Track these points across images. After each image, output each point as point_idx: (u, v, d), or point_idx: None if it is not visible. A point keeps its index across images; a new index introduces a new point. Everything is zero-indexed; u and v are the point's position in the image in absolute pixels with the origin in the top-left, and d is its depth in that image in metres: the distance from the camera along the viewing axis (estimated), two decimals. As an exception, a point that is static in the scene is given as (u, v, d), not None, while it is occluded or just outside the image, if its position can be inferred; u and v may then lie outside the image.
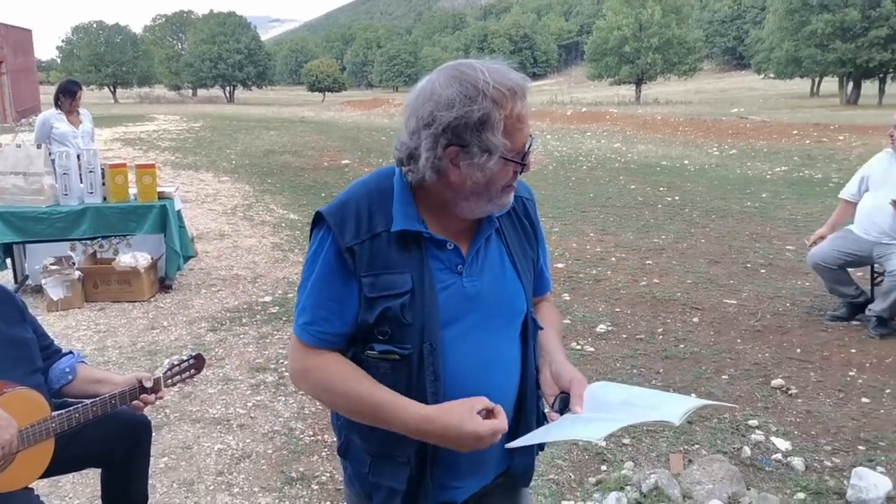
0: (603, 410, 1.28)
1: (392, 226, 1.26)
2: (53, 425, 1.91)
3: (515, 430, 1.36)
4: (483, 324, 1.31)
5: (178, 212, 5.59)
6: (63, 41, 61.38)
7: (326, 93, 65.72)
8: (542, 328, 1.45)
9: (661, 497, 2.76)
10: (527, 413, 1.40)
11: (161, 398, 2.15)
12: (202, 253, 6.56)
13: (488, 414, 1.23)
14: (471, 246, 1.33)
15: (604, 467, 3.05)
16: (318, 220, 1.31)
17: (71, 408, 1.96)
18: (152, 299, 5.24)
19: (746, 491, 2.80)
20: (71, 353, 2.22)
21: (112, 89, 58.78)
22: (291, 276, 5.98)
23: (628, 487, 2.84)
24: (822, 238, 4.80)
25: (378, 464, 1.35)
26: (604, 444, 3.21)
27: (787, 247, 6.73)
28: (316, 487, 2.89)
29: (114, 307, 5.04)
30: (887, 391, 3.69)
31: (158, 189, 5.38)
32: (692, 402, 1.30)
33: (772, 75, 37.14)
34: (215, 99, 59.65)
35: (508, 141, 1.21)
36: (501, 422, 1.22)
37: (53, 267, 4.84)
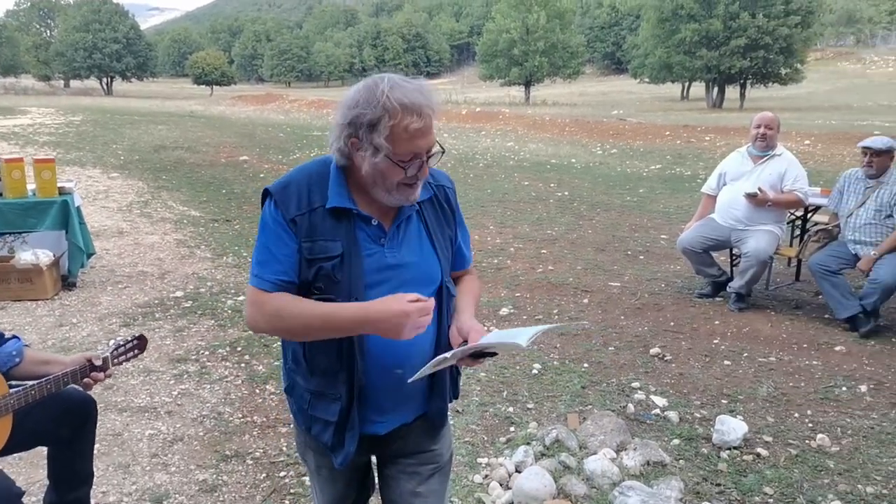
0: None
1: (327, 203, 1.54)
2: (12, 402, 2.01)
3: (432, 377, 1.66)
4: (402, 287, 1.56)
5: (78, 207, 5.48)
6: None
7: (214, 86, 63.15)
8: (453, 295, 1.72)
9: (562, 448, 3.19)
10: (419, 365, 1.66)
11: (109, 376, 2.28)
12: (102, 251, 6.40)
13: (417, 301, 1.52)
14: (392, 223, 1.61)
15: (512, 428, 3.43)
16: (266, 195, 1.59)
17: (27, 385, 2.06)
18: (56, 297, 5.12)
19: (632, 440, 3.29)
20: (15, 337, 2.29)
21: (-30, 79, 53.64)
22: (201, 271, 5.99)
23: (534, 442, 3.25)
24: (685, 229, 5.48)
25: (315, 401, 1.65)
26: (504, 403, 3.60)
27: (662, 236, 7.51)
28: (251, 462, 3.08)
29: (16, 306, 4.88)
30: (745, 355, 4.35)
31: (59, 184, 5.24)
32: (542, 327, 1.64)
33: (647, 80, 39.79)
34: (91, 91, 55.75)
35: (392, 146, 1.46)
36: (427, 301, 1.47)
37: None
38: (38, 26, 67.40)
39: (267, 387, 3.83)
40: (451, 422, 3.34)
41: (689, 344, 4.52)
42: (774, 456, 3.18)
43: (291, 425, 3.41)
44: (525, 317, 5.00)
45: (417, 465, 1.76)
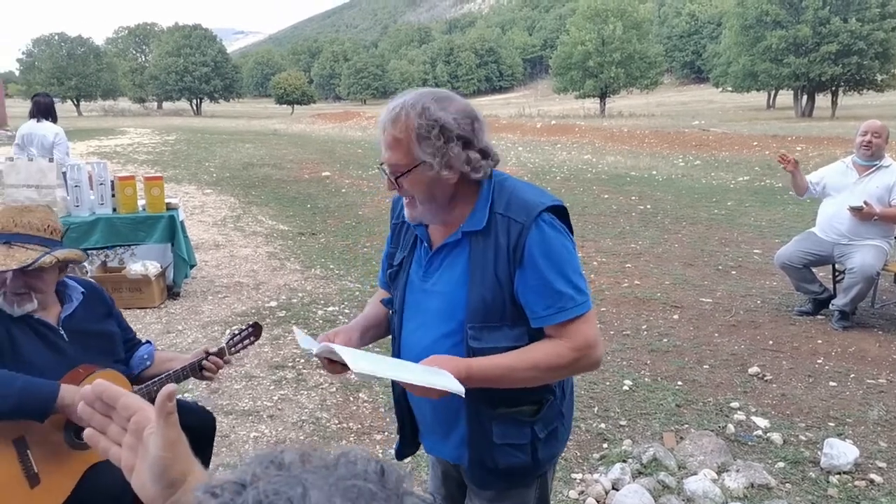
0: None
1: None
2: None
3: (448, 416, 1.61)
4: (428, 314, 1.58)
5: (182, 222, 5.81)
6: (24, 53, 60.12)
7: (295, 105, 65.58)
8: (471, 346, 1.50)
9: (660, 467, 3.12)
10: (448, 407, 1.57)
11: (228, 363, 2.35)
12: (201, 262, 6.75)
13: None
14: (435, 249, 1.60)
15: (605, 445, 3.39)
16: None
17: (149, 382, 2.20)
18: (162, 306, 5.44)
19: (734, 461, 3.18)
20: (148, 342, 2.47)
21: (75, 102, 57.75)
22: (292, 283, 6.22)
23: (630, 460, 3.19)
24: (796, 163, 5.09)
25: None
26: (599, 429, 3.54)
27: (755, 250, 7.22)
28: (349, 468, 3.17)
29: (126, 314, 5.12)
30: (851, 376, 4.12)
31: (166, 200, 5.59)
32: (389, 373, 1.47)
33: (730, 89, 38.45)
34: (182, 112, 59.05)
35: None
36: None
37: (68, 276, 5.00)
38: (134, 52, 72.06)
39: (360, 395, 3.93)
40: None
41: (791, 364, 4.33)
42: (890, 483, 3.00)
43: (385, 433, 3.50)
44: (612, 332, 4.93)
45: None
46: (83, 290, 2.28)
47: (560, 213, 1.55)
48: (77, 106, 57.68)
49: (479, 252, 1.51)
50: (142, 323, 5.07)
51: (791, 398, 3.85)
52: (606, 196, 11.07)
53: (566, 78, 42.75)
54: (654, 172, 14.13)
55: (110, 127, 27.56)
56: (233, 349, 2.37)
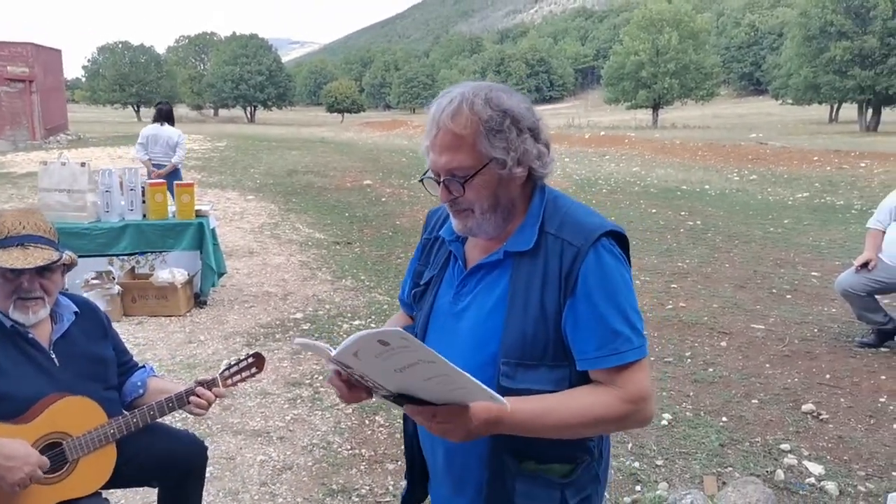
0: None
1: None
2: (111, 430, 1.96)
3: (464, 466, 1.39)
4: (455, 342, 1.36)
5: (213, 230, 5.74)
6: (89, 61, 62.68)
7: (345, 114, 66.45)
8: (503, 384, 1.28)
9: (698, 517, 2.80)
10: (465, 455, 1.38)
11: (222, 397, 2.13)
12: (233, 270, 6.69)
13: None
14: (470, 269, 1.39)
15: (638, 487, 3.09)
16: None
17: (128, 413, 2.01)
18: (188, 314, 5.37)
19: (782, 513, 2.84)
20: (144, 367, 2.28)
21: (136, 108, 59.82)
22: (321, 293, 6.09)
23: (664, 507, 2.89)
24: (868, 262, 4.58)
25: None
26: (634, 464, 3.24)
27: (813, 273, 6.74)
28: (356, 500, 2.96)
29: (151, 321, 5.16)
30: (919, 418, 3.70)
31: (196, 207, 5.53)
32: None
33: (790, 101, 37.13)
34: (236, 119, 60.56)
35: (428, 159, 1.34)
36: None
37: (94, 281, 4.98)
38: (193, 60, 74.25)
39: (377, 418, 3.73)
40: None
41: (850, 401, 3.92)
42: (966, 549, 2.61)
43: (399, 462, 3.28)
44: (653, 358, 4.59)
45: None
46: (76, 308, 2.12)
47: (620, 240, 1.36)
48: (137, 112, 59.72)
49: (524, 277, 1.31)
50: (165, 331, 4.99)
51: (849, 441, 3.47)
52: (654, 210, 10.64)
53: (618, 88, 42.09)
54: (707, 187, 13.58)
55: (166, 133, 28.35)
56: (228, 381, 2.12)
